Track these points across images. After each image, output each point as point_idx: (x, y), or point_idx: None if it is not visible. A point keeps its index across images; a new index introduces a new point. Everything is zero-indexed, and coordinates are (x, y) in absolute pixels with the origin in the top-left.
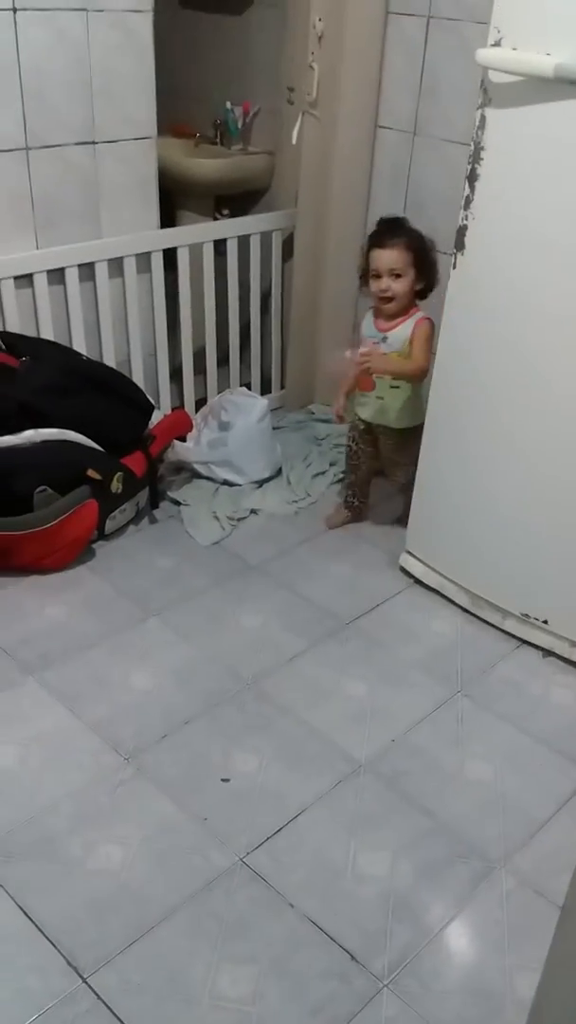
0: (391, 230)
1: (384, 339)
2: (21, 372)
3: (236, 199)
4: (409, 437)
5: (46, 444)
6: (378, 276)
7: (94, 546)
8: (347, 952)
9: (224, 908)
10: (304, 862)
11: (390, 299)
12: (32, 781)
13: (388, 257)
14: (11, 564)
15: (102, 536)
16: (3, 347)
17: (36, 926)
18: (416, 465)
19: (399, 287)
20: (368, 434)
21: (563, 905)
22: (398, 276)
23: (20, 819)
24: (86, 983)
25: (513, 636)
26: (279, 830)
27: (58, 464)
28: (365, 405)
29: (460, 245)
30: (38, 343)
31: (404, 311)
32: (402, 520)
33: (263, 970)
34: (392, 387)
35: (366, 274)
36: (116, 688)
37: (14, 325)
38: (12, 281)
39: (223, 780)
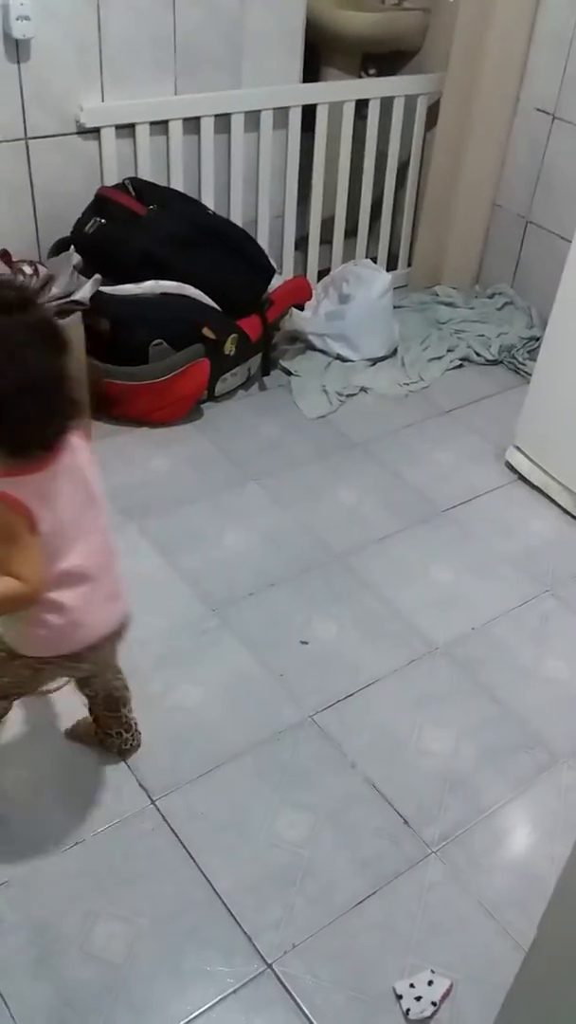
0: None
1: None
2: (147, 220)
3: (384, 59)
4: None
5: (165, 297)
6: None
7: (202, 406)
8: (401, 816)
9: (289, 758)
10: (370, 729)
11: None
12: None
13: None
14: (123, 413)
15: (211, 397)
16: (132, 192)
17: None
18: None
19: None
20: None
21: None
22: None
23: None
24: (155, 805)
25: None
26: (350, 696)
27: (175, 319)
28: None
29: None
30: (167, 192)
31: None
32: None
33: (319, 819)
34: None
35: None
36: (209, 544)
37: (145, 172)
38: (148, 126)
39: (302, 642)
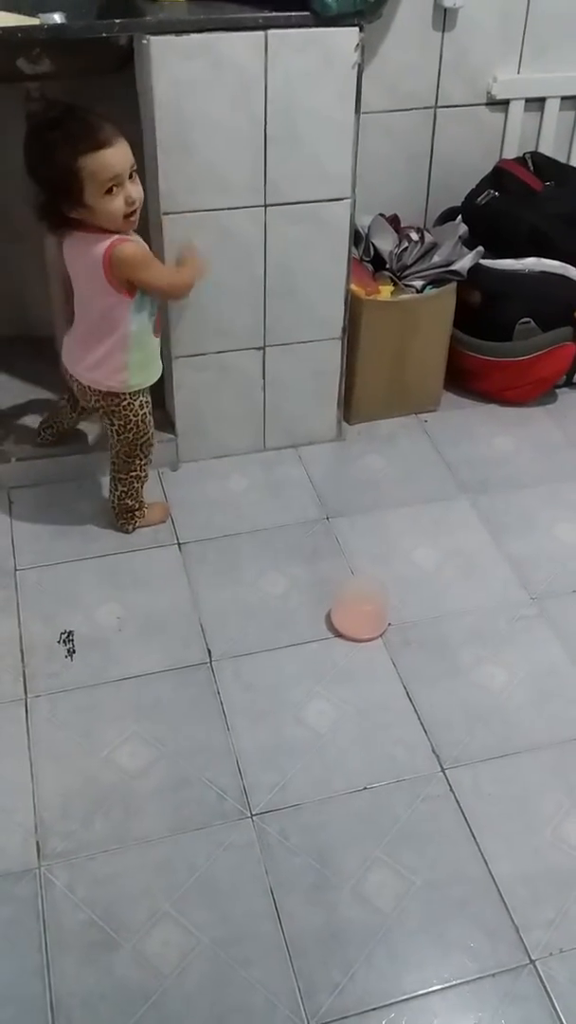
0: (89, 115)
1: None
2: (542, 196)
3: None
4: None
5: (544, 275)
6: (119, 185)
7: (557, 391)
8: None
9: None
10: None
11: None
12: (443, 587)
13: (125, 153)
14: (476, 388)
15: (568, 382)
16: (531, 167)
17: (414, 708)
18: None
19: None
20: None
21: None
22: (133, 172)
23: (425, 616)
24: (444, 773)
25: None
26: None
27: (549, 299)
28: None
29: None
30: (567, 169)
31: None
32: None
33: None
34: None
35: (72, 199)
36: (540, 532)
37: (547, 147)
38: (559, 101)
39: None
